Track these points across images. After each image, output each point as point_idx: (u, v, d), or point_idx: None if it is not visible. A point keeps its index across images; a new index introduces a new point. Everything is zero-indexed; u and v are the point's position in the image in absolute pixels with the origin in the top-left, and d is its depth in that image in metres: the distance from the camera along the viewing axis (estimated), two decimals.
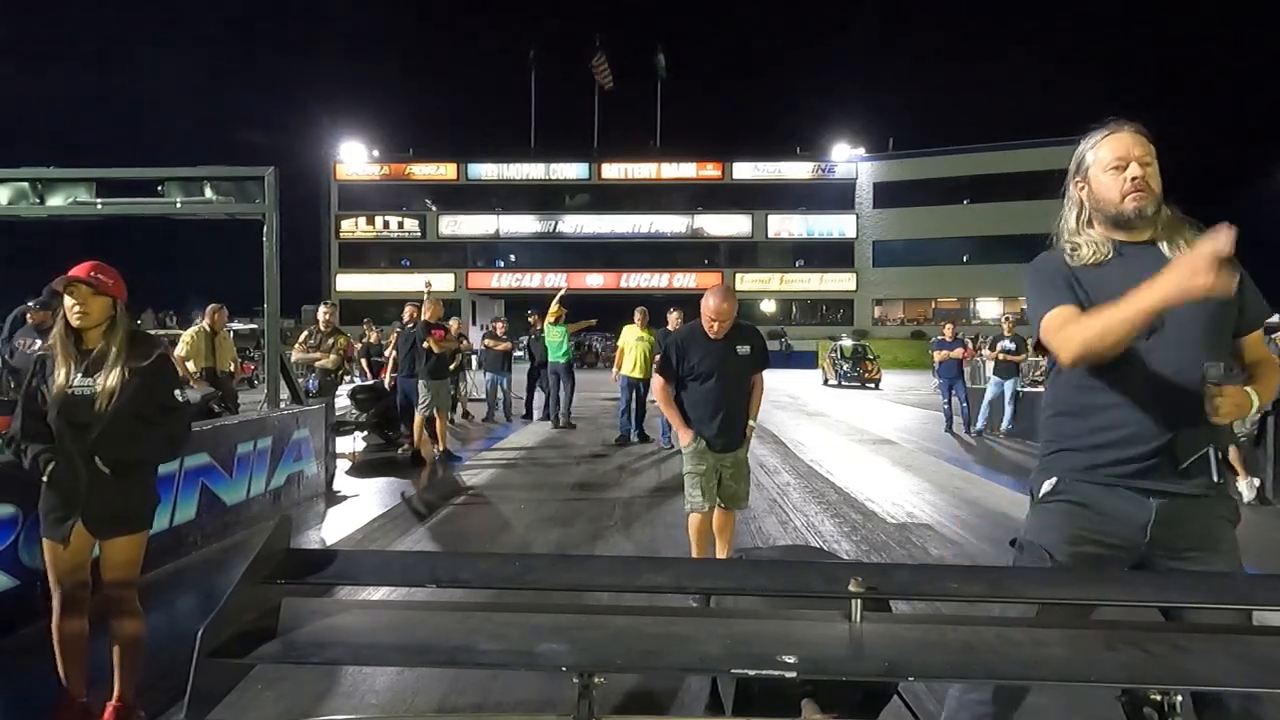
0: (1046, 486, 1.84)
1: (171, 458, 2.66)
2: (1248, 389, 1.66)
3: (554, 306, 11.30)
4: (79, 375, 2.54)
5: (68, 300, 2.57)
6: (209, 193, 6.16)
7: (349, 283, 44.49)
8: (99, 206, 6.12)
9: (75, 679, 2.68)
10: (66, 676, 2.66)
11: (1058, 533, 1.79)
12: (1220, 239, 1.46)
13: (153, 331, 20.46)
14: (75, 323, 2.56)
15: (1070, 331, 1.72)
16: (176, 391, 2.75)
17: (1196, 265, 1.47)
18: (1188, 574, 1.66)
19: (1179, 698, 1.00)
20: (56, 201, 6.08)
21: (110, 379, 2.53)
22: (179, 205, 6.15)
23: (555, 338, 11.39)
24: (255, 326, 22.60)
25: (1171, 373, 1.69)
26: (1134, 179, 1.75)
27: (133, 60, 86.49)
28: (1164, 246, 1.78)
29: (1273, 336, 7.06)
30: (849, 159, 45.65)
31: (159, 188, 6.21)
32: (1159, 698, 1.01)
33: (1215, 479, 1.71)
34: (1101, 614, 1.48)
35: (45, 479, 2.55)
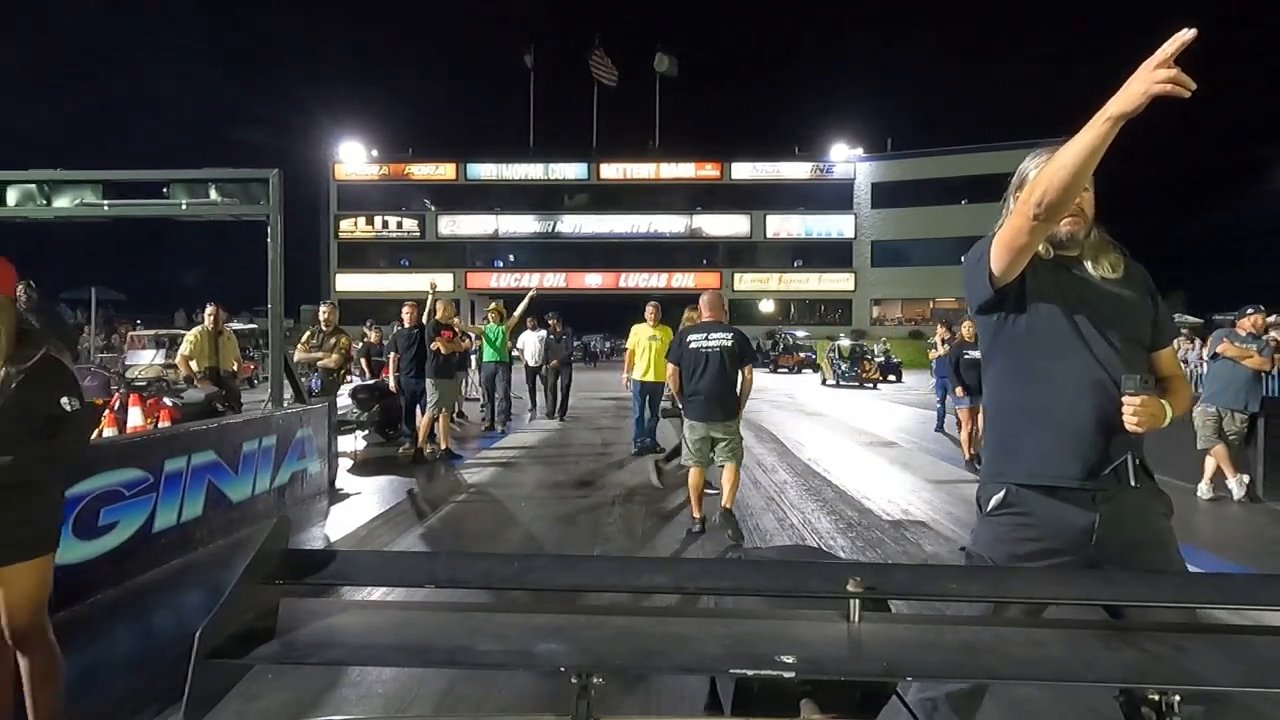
0: (995, 500, 1.88)
1: (56, 476, 2.37)
2: (1163, 401, 1.75)
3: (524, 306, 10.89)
4: None
5: None
6: (214, 194, 6.17)
7: (348, 283, 44.51)
8: (105, 208, 6.13)
9: None
10: None
11: (1007, 545, 1.84)
12: (1174, 41, 1.40)
13: (175, 332, 19.86)
14: None
15: (1022, 197, 1.72)
16: (65, 400, 2.34)
17: (1153, 63, 1.41)
18: (1186, 573, 1.67)
19: (1177, 697, 1.00)
20: (63, 203, 6.08)
21: None
22: (184, 207, 6.16)
23: (495, 337, 10.82)
24: (254, 326, 22.61)
25: (1095, 384, 1.79)
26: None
27: (133, 61, 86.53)
28: (1089, 265, 1.88)
29: (1267, 338, 7.07)
30: (847, 159, 45.68)
31: (164, 189, 6.21)
32: (1157, 697, 1.01)
33: (1134, 484, 1.78)
34: (1099, 613, 1.48)
35: None
